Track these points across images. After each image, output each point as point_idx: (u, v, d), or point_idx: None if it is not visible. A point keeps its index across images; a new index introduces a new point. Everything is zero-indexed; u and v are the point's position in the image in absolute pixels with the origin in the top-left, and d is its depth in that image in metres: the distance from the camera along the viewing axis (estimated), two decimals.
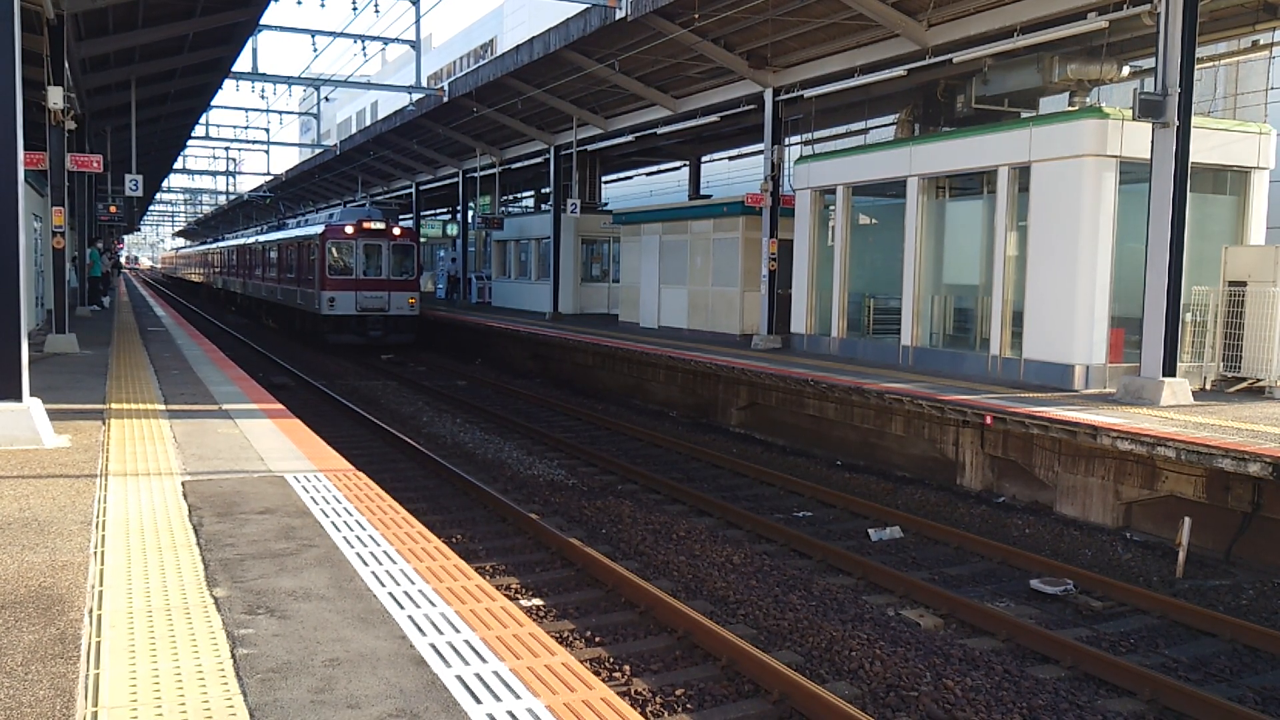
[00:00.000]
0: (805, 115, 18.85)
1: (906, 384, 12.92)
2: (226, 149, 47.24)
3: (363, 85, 30.33)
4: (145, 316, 25.22)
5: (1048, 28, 13.21)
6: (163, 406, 9.89)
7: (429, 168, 38.02)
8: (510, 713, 3.37)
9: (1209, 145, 12.69)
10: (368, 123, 57.06)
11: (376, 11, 23.09)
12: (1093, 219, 12.37)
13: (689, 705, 5.83)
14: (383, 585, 4.62)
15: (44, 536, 5.18)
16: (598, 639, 6.82)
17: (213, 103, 28.55)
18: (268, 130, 45.86)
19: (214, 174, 51.71)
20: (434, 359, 25.79)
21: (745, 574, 8.23)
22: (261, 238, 36.79)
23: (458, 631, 4.08)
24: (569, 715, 3.38)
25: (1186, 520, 8.68)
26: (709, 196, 26.79)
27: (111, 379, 11.88)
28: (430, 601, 4.42)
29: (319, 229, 26.99)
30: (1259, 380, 12.22)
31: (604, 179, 34.04)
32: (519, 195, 43.35)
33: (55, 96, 14.33)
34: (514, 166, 32.31)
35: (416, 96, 27.01)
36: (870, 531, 9.78)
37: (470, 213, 36.17)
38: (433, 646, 3.90)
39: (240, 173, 53.39)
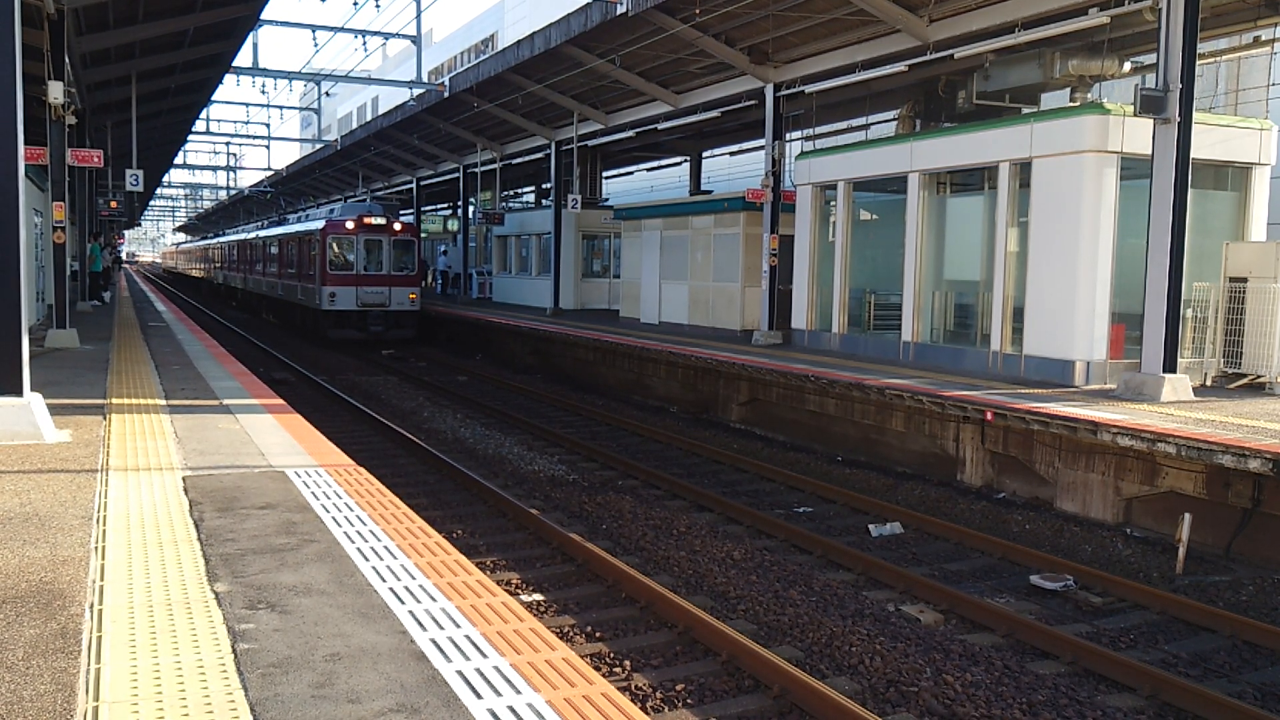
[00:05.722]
0: (806, 111, 18.83)
1: (907, 380, 12.92)
2: (227, 144, 47.25)
3: (363, 80, 30.31)
4: (146, 312, 25.22)
5: (1049, 23, 13.18)
6: (163, 401, 9.90)
7: (430, 163, 38.00)
8: (511, 708, 3.38)
9: (1210, 141, 12.67)
10: (368, 118, 57.06)
11: (377, 7, 23.08)
12: (1094, 215, 12.36)
13: (689, 700, 5.84)
14: (383, 580, 4.62)
15: (45, 531, 5.19)
16: (598, 634, 6.83)
17: (213, 98, 28.55)
18: (268, 125, 45.92)
19: (215, 169, 51.75)
20: (434, 354, 25.79)
21: (745, 570, 8.24)
22: (262, 233, 36.78)
23: (458, 627, 4.08)
24: (570, 710, 3.39)
25: (1186, 516, 8.68)
26: (710, 192, 26.78)
27: (112, 374, 11.88)
28: (431, 597, 4.43)
29: (320, 224, 26.99)
30: (1259, 376, 12.22)
31: (605, 174, 34.04)
32: (520, 190, 43.33)
33: (56, 91, 14.33)
34: (515, 162, 32.30)
35: (417, 91, 26.99)
36: (870, 527, 9.78)
37: (471, 208, 36.18)
38: (433, 642, 3.91)
39: (241, 168, 53.48)
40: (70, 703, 3.26)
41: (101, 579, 4.52)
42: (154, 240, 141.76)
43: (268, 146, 46.69)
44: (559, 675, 3.67)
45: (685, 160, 31.16)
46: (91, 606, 4.16)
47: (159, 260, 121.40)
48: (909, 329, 15.39)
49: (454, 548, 5.22)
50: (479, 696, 3.44)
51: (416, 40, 24.50)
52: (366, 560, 4.92)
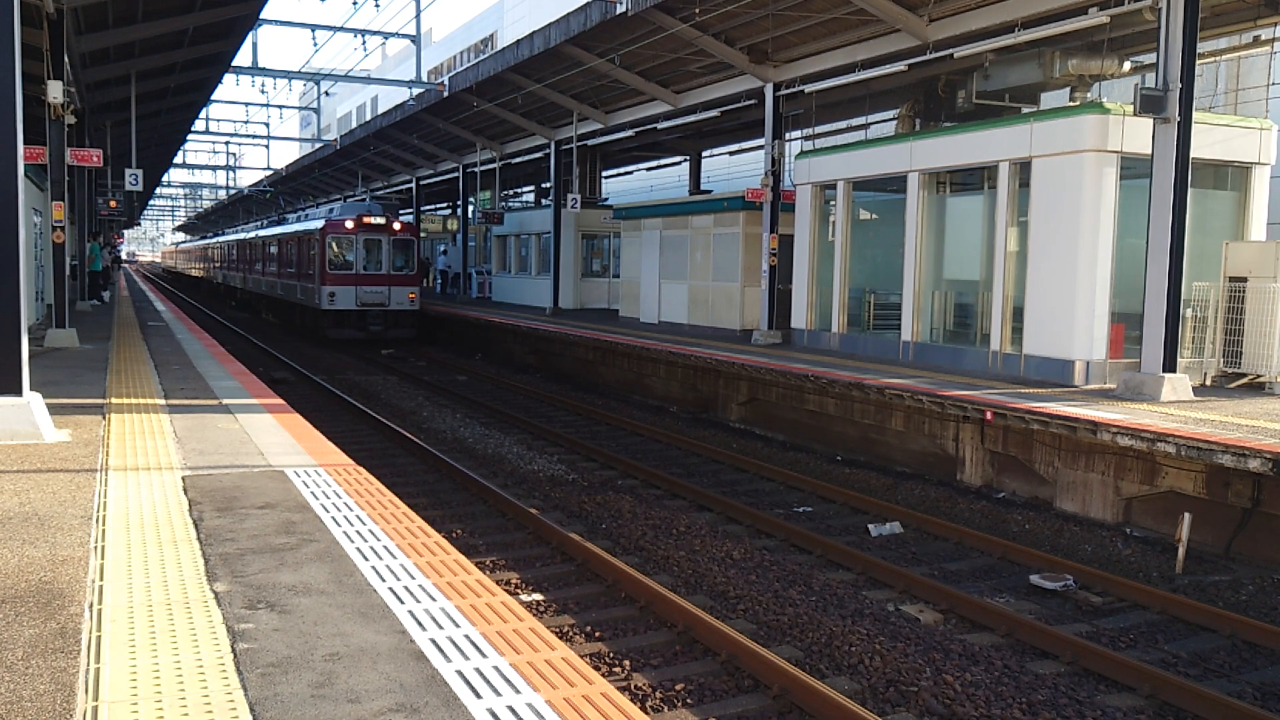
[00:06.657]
0: (806, 110, 18.82)
1: (907, 379, 12.92)
2: (227, 144, 47.25)
3: (363, 80, 30.31)
4: (145, 311, 25.21)
5: (1049, 23, 13.18)
6: (163, 401, 9.89)
7: (429, 162, 38.00)
8: (510, 707, 3.38)
9: (1210, 141, 12.67)
10: (368, 117, 57.07)
11: (377, 6, 23.07)
12: (1093, 214, 12.36)
13: (689, 700, 5.84)
14: (383, 580, 4.62)
15: (44, 531, 5.18)
16: (598, 634, 6.83)
17: (213, 97, 28.55)
18: (268, 125, 45.90)
19: (214, 169, 51.74)
20: (434, 354, 25.79)
21: (745, 569, 8.24)
22: (262, 232, 36.80)
23: (458, 626, 4.08)
24: (569, 710, 3.38)
25: (1186, 516, 8.68)
26: (709, 191, 26.77)
27: (112, 374, 11.88)
28: (430, 596, 4.43)
29: (319, 224, 26.99)
30: (1259, 376, 12.22)
31: (604, 174, 34.03)
32: (519, 190, 43.33)
33: (55, 91, 14.32)
34: (514, 161, 32.30)
35: (417, 91, 26.99)
36: (870, 527, 9.78)
37: (471, 208, 36.17)
38: (433, 641, 3.90)
39: (240, 167, 53.45)
40: (70, 702, 3.26)
41: (101, 579, 4.52)
42: (153, 240, 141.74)
43: (267, 146, 46.72)
44: (559, 675, 3.67)
45: (685, 160, 31.15)
46: (91, 606, 4.16)
47: (158, 260, 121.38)
48: (909, 329, 15.39)
49: (453, 547, 5.22)
50: (479, 696, 3.44)
51: (416, 40, 24.50)
52: (366, 560, 4.92)
